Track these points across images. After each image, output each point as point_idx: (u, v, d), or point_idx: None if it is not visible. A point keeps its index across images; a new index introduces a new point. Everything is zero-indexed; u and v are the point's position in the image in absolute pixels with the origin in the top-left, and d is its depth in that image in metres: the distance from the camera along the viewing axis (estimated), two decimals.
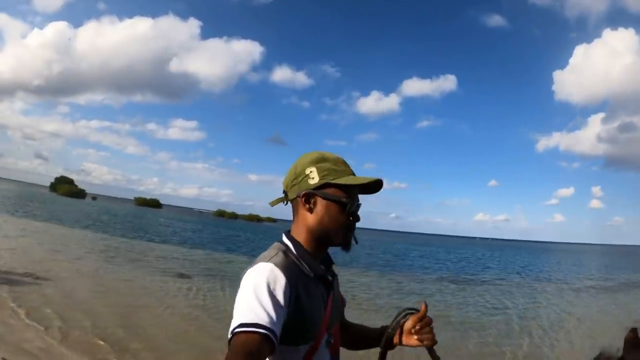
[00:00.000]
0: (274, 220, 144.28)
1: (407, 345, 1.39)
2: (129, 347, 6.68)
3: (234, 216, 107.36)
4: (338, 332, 1.33)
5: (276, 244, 1.26)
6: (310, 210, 1.25)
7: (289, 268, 1.14)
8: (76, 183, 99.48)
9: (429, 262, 31.35)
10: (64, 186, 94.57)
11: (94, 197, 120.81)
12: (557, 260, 47.99)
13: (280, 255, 1.17)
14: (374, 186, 1.31)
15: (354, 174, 1.29)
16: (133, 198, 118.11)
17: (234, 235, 41.13)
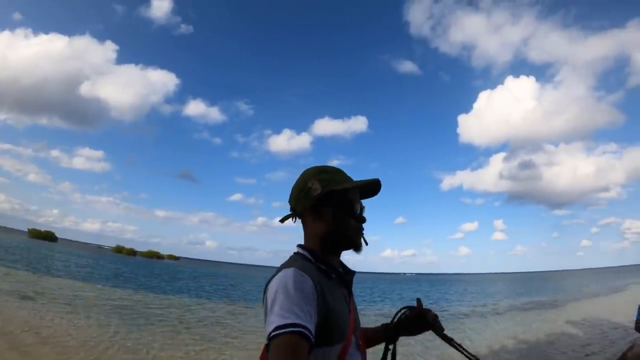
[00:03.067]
0: (176, 258, 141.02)
1: (411, 335, 1.56)
2: None
3: (132, 252, 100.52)
4: (362, 337, 1.37)
5: (293, 255, 1.32)
6: (320, 219, 1.32)
7: (311, 271, 1.19)
8: None
9: None
10: None
11: None
12: (454, 289, 49.22)
13: (300, 261, 1.24)
14: (374, 188, 1.42)
15: (352, 180, 1.37)
16: (27, 230, 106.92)
17: (122, 271, 37.78)
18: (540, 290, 40.79)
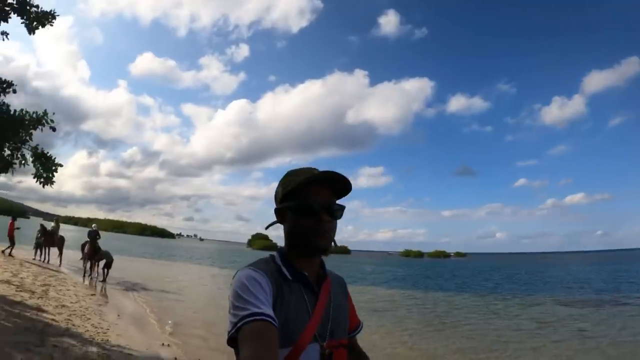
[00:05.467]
0: (463, 255, 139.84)
1: None
2: None
3: (419, 254, 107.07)
4: (342, 349, 1.30)
5: (264, 258, 1.32)
6: (284, 223, 1.33)
7: (268, 270, 1.21)
8: (275, 238, 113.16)
9: None
10: (259, 241, 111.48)
11: None
12: None
13: (260, 262, 1.27)
14: (342, 183, 1.29)
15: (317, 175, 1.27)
16: None
17: (399, 274, 39.63)
18: None
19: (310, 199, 1.26)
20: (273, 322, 1.06)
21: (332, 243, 1.31)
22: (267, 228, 1.42)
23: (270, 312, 1.08)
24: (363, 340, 1.49)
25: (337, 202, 1.32)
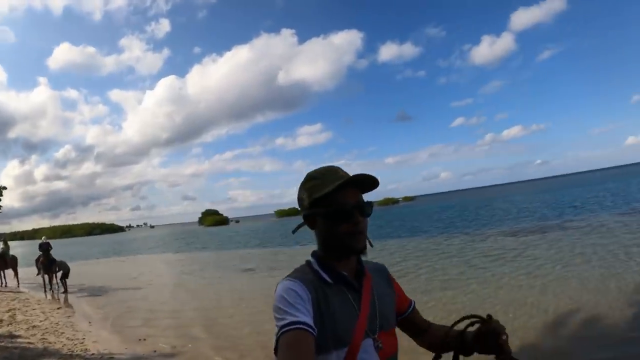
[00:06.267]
0: (412, 199, 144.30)
1: (480, 353, 1.31)
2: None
3: None
4: (392, 337, 1.34)
5: (301, 265, 1.35)
6: (315, 228, 1.34)
7: (306, 278, 1.23)
8: (225, 211, 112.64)
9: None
10: (209, 218, 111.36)
11: (237, 221, 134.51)
12: None
13: (298, 271, 1.30)
14: (370, 179, 1.29)
15: (343, 179, 1.26)
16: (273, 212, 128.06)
17: None
18: None
19: (342, 202, 1.26)
20: (308, 329, 1.09)
21: (368, 242, 1.33)
22: (294, 232, 1.49)
23: (306, 319, 1.11)
24: None
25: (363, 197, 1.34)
